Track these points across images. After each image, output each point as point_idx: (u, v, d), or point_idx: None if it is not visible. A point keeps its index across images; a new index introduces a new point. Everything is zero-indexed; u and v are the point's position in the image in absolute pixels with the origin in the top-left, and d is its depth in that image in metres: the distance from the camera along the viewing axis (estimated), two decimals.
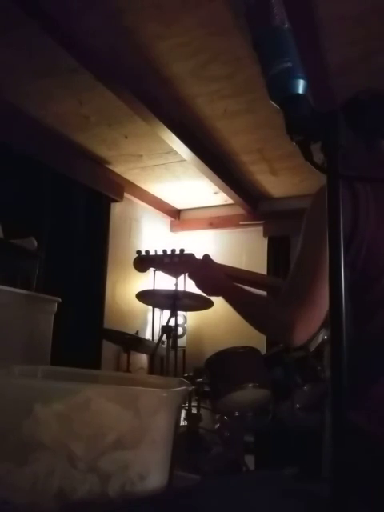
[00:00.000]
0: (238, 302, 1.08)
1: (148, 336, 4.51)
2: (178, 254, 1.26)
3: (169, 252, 1.26)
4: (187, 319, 4.70)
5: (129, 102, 2.73)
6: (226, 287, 1.14)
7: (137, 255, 1.28)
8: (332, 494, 0.51)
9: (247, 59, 2.32)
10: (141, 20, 2.10)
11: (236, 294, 1.10)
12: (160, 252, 1.28)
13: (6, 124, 2.89)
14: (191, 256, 1.26)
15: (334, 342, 0.54)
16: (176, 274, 1.29)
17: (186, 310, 4.04)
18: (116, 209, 4.14)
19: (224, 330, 4.45)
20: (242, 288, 1.13)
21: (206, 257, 1.27)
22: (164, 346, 3.09)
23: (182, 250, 1.28)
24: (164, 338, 2.98)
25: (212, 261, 1.27)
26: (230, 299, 1.09)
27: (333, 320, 0.55)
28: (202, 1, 1.97)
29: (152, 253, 1.29)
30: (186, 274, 1.24)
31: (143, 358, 4.06)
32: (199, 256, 1.28)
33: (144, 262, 1.24)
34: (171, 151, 3.44)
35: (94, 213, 3.81)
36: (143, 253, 1.27)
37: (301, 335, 0.90)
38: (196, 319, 4.75)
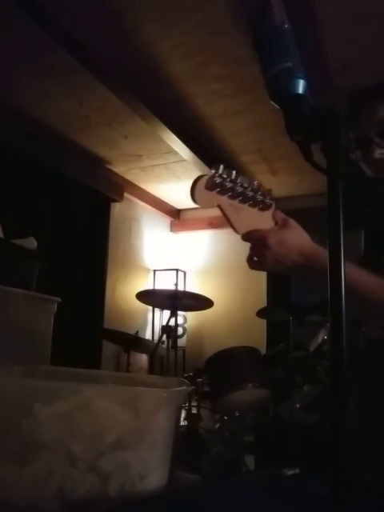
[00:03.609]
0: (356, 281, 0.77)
1: (148, 336, 4.51)
2: (261, 194, 0.80)
3: (253, 185, 0.79)
4: (187, 319, 4.70)
5: (129, 102, 2.72)
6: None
7: (199, 180, 0.74)
8: (332, 494, 0.51)
9: (247, 59, 2.32)
10: (141, 20, 2.10)
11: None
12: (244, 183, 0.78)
13: (6, 124, 2.89)
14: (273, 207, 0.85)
15: (334, 342, 0.54)
16: (242, 226, 0.81)
17: (185, 310, 4.04)
18: (116, 209, 4.14)
19: (224, 330, 4.45)
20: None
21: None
22: (164, 345, 3.09)
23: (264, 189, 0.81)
24: (164, 337, 2.99)
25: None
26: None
27: (333, 320, 0.55)
28: (202, 1, 1.97)
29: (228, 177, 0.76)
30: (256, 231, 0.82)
31: (143, 358, 4.06)
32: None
33: (214, 188, 0.75)
34: (171, 151, 3.44)
35: (94, 213, 3.80)
36: (216, 177, 0.74)
37: None
38: (196, 319, 4.75)
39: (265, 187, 0.80)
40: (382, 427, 0.87)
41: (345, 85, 2.50)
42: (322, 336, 2.70)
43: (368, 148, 0.98)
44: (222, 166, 0.74)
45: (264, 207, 0.82)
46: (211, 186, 0.75)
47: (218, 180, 0.74)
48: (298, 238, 0.82)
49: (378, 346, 0.89)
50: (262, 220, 0.83)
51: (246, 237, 0.82)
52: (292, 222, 0.84)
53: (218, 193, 0.76)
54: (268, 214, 0.83)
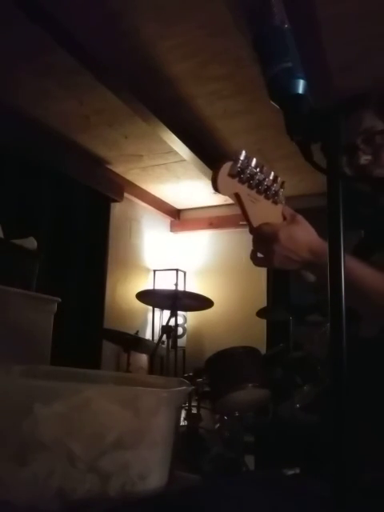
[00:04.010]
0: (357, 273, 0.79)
1: (148, 336, 4.51)
2: (277, 186, 0.78)
3: (271, 175, 0.76)
4: (187, 319, 4.71)
5: (129, 102, 2.73)
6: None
7: (222, 166, 0.71)
8: (333, 494, 0.51)
9: (247, 59, 2.32)
10: (141, 20, 2.10)
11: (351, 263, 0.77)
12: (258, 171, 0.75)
13: (6, 124, 2.89)
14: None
15: (335, 342, 0.54)
16: (256, 219, 0.77)
17: (185, 310, 4.04)
18: (116, 209, 4.14)
19: (224, 330, 4.45)
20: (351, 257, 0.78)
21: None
22: (164, 345, 3.09)
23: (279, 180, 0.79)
24: (164, 337, 2.99)
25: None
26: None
27: (333, 320, 0.55)
28: (202, 1, 1.97)
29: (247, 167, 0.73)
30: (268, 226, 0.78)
31: (143, 358, 4.06)
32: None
33: (236, 176, 0.72)
34: (171, 151, 3.44)
35: (94, 213, 3.81)
36: (238, 164, 0.71)
37: None
38: (196, 319, 4.75)
39: (281, 179, 0.78)
40: (376, 426, 0.87)
41: (345, 85, 2.51)
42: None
43: (354, 154, 1.00)
44: (244, 152, 0.71)
45: (276, 200, 0.79)
46: (233, 173, 0.71)
47: (240, 167, 0.71)
48: (307, 235, 0.80)
49: (372, 346, 0.89)
50: (274, 214, 0.80)
51: (256, 230, 0.78)
52: (300, 217, 0.83)
53: (239, 181, 0.73)
54: (279, 207, 0.81)
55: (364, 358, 0.83)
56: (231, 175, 0.72)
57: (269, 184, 0.76)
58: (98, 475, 0.62)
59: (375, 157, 1.00)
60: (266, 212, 0.79)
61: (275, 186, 0.78)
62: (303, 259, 0.80)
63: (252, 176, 0.74)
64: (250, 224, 0.77)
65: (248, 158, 0.72)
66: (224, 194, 0.72)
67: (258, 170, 0.74)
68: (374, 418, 0.87)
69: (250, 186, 0.75)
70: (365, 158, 1.00)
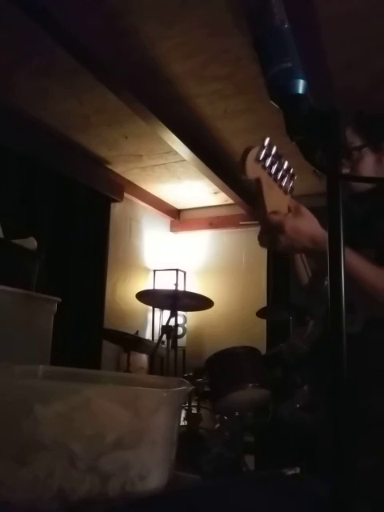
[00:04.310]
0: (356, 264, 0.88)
1: (148, 336, 4.51)
2: (289, 177, 0.81)
3: (285, 165, 0.80)
4: (187, 319, 4.71)
5: (129, 102, 2.72)
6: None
7: (250, 150, 0.73)
8: (332, 494, 0.51)
9: (247, 59, 2.32)
10: (141, 20, 2.10)
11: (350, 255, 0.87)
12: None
13: (6, 124, 2.89)
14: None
15: (334, 342, 0.54)
16: (270, 206, 0.80)
17: (186, 310, 4.04)
18: (116, 209, 4.14)
19: (224, 330, 4.45)
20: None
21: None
22: (164, 345, 3.09)
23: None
24: (164, 337, 2.99)
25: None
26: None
27: (333, 315, 0.55)
28: (202, 1, 1.97)
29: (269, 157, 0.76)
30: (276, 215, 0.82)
31: (143, 358, 4.06)
32: None
33: (260, 161, 0.74)
34: (171, 151, 3.44)
35: (94, 213, 3.81)
36: (264, 150, 0.74)
37: None
38: (196, 319, 4.75)
39: (293, 171, 0.81)
40: (361, 425, 0.88)
41: (345, 85, 2.51)
42: (310, 330, 2.69)
43: None
44: (268, 139, 0.74)
45: (286, 190, 0.82)
46: (259, 158, 0.74)
47: (264, 154, 0.74)
48: (311, 226, 0.86)
49: (355, 343, 0.91)
50: (283, 203, 0.84)
51: (265, 218, 0.81)
52: (304, 209, 0.87)
53: (262, 166, 0.76)
54: (287, 198, 0.84)
55: (348, 354, 0.85)
56: (257, 160, 0.74)
57: (283, 174, 0.80)
58: (98, 475, 0.62)
59: (353, 171, 1.08)
60: (278, 200, 0.82)
61: (287, 177, 0.81)
62: (305, 248, 0.87)
63: (272, 163, 0.77)
64: (263, 209, 0.80)
65: (270, 146, 0.75)
66: (249, 176, 0.74)
67: (277, 158, 0.77)
68: (358, 415, 0.88)
69: (269, 173, 0.78)
70: (344, 171, 1.05)
